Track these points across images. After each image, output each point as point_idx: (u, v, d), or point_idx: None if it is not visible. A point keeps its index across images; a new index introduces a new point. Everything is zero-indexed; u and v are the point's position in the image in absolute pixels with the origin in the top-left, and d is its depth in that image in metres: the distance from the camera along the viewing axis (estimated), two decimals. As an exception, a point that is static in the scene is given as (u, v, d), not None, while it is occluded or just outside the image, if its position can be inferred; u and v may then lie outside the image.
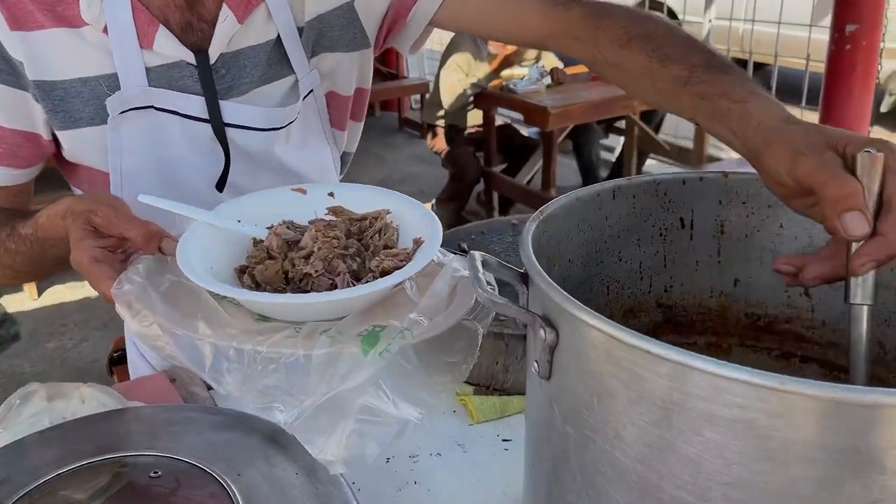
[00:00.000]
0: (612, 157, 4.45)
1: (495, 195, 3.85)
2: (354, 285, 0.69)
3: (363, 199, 0.80)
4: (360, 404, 0.61)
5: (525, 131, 4.08)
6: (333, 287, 0.69)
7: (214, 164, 0.94)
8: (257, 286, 0.71)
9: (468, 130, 3.90)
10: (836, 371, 0.74)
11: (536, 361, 0.55)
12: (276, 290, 0.70)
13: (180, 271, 0.68)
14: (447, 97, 3.73)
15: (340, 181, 1.11)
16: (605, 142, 4.43)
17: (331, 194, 0.81)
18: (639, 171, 4.11)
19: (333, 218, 0.78)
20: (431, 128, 4.00)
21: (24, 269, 0.91)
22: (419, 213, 0.77)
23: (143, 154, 0.92)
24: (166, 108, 0.90)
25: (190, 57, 0.89)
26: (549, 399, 0.55)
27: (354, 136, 1.10)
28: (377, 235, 0.76)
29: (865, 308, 0.58)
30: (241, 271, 0.73)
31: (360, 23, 0.99)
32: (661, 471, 0.47)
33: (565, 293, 0.49)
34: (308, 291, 0.70)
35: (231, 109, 0.92)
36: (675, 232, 0.75)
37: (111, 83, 0.88)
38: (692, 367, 0.42)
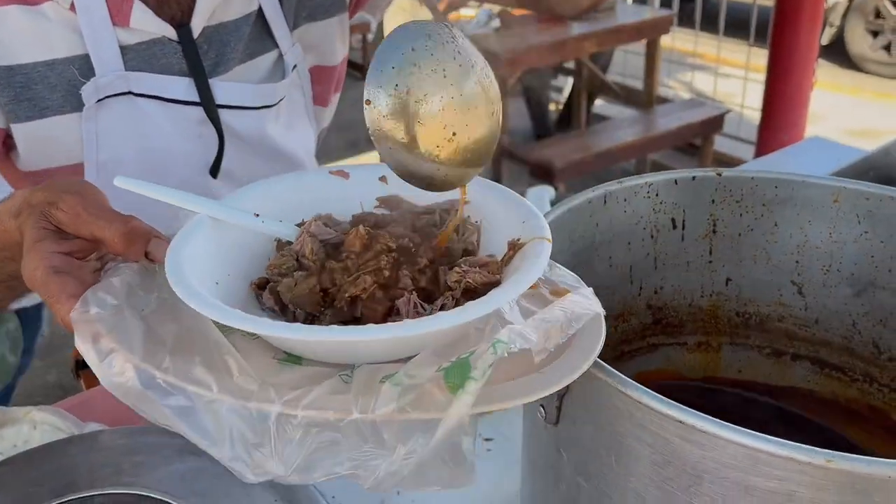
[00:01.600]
0: (561, 99, 4.40)
1: (445, 142, 3.77)
2: (424, 309, 0.48)
3: None
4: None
5: (473, 75, 3.97)
6: (392, 312, 0.48)
7: (204, 150, 0.85)
8: (283, 308, 0.50)
9: (415, 75, 3.78)
10: (829, 368, 0.73)
11: (542, 406, 0.51)
12: (309, 315, 0.50)
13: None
14: (392, 41, 3.59)
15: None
16: (553, 82, 4.37)
17: (382, 179, 0.58)
18: (588, 113, 4.08)
19: (388, 212, 0.57)
20: (377, 73, 3.87)
21: None
22: (511, 203, 0.54)
23: (122, 144, 0.81)
24: (147, 92, 0.80)
25: (171, 32, 0.80)
26: (556, 445, 0.52)
27: (332, 110, 1.03)
28: (452, 237, 0.54)
29: None
30: (260, 286, 0.52)
31: None
32: (688, 535, 0.44)
33: (581, 347, 0.45)
34: (357, 318, 0.49)
35: (220, 89, 0.84)
36: (666, 233, 0.72)
37: (83, 66, 0.78)
38: (729, 440, 0.39)
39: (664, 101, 3.84)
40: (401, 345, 0.45)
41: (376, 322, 0.46)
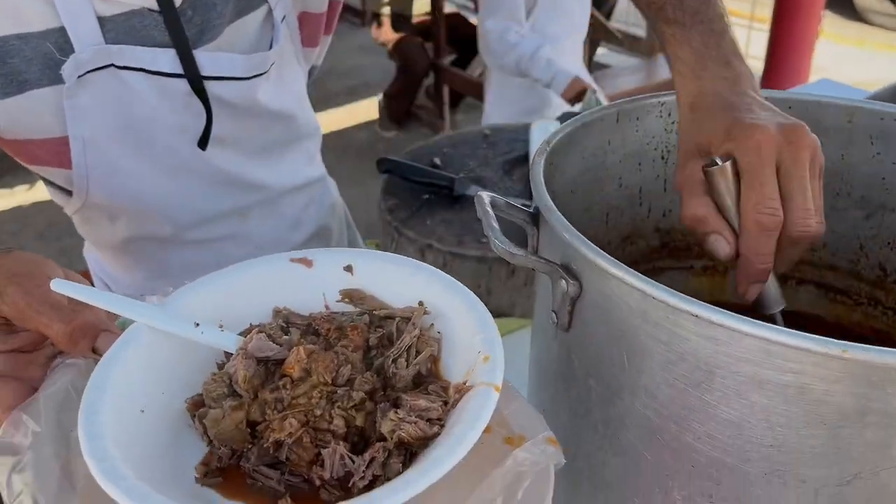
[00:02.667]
0: (563, 47, 4.33)
1: (446, 89, 3.73)
2: (353, 462, 0.44)
3: (392, 279, 0.53)
4: None
5: (474, 19, 3.92)
6: (317, 462, 0.44)
7: (192, 121, 0.82)
8: (211, 440, 0.47)
9: (415, 19, 3.72)
10: (834, 293, 0.73)
11: (555, 312, 0.51)
12: (234, 452, 0.46)
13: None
14: (392, -17, 3.53)
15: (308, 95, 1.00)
16: (555, 30, 4.30)
17: (348, 268, 0.54)
18: (590, 61, 4.02)
19: (349, 307, 0.54)
20: (376, 17, 3.81)
21: None
22: (473, 316, 0.48)
23: (107, 119, 0.78)
24: (130, 65, 0.76)
25: (150, 2, 0.75)
26: (567, 350, 0.52)
27: (324, 49, 1.00)
28: (403, 358, 0.48)
29: (778, 313, 0.57)
30: (197, 405, 0.48)
31: None
32: (698, 432, 0.45)
33: (596, 247, 0.45)
34: (282, 462, 0.45)
35: (208, 60, 0.79)
36: (677, 154, 0.71)
37: (59, 40, 0.73)
38: (744, 333, 0.39)
39: (667, 49, 3.79)
40: None
41: (301, 468, 0.44)
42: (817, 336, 0.38)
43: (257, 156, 0.92)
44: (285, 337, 0.50)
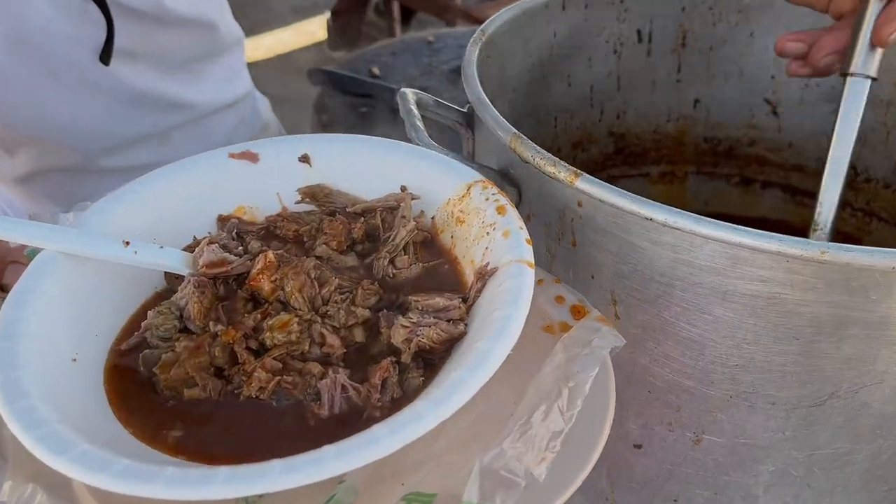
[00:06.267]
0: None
1: (395, 4, 3.56)
2: (358, 392, 0.34)
3: (361, 165, 0.43)
4: None
5: (423, -70, 3.71)
6: (313, 397, 0.34)
7: (92, 31, 0.73)
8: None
9: (360, -70, 3.51)
10: (800, 195, 0.68)
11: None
12: (193, 399, 0.35)
13: None
14: None
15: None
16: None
17: (304, 159, 0.43)
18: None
19: (311, 206, 0.43)
20: (319, -72, 3.59)
21: None
22: (475, 190, 0.39)
23: None
24: None
25: None
26: (508, 268, 0.46)
27: None
28: (403, 257, 0.39)
29: (868, 81, 0.46)
30: (140, 347, 0.39)
31: None
32: (655, 353, 0.39)
33: (534, 145, 0.39)
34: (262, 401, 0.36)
35: None
36: (630, 47, 0.64)
37: None
38: (707, 237, 0.33)
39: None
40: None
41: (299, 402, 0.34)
42: (791, 237, 0.32)
43: (175, 71, 0.83)
44: (240, 248, 0.40)
